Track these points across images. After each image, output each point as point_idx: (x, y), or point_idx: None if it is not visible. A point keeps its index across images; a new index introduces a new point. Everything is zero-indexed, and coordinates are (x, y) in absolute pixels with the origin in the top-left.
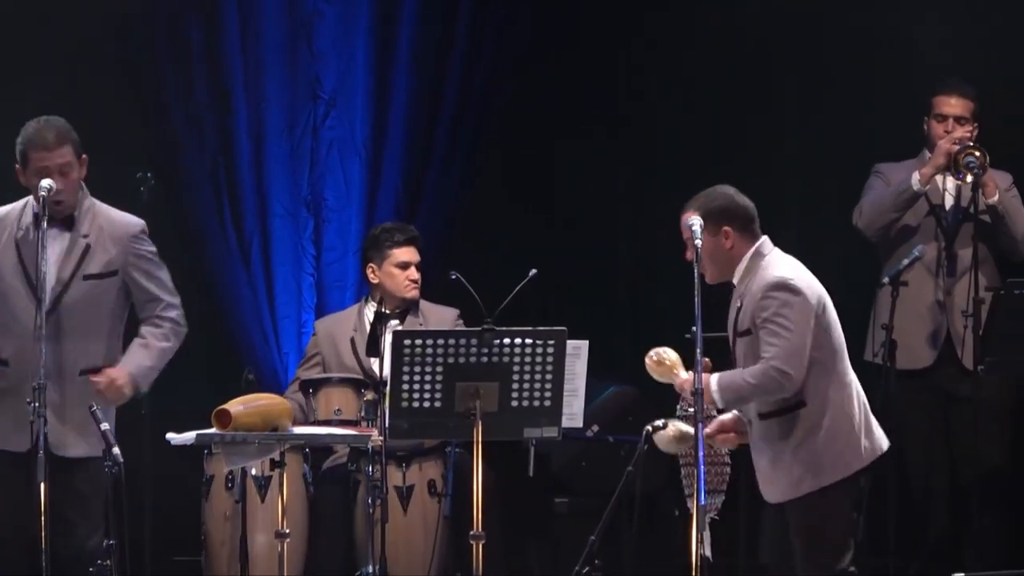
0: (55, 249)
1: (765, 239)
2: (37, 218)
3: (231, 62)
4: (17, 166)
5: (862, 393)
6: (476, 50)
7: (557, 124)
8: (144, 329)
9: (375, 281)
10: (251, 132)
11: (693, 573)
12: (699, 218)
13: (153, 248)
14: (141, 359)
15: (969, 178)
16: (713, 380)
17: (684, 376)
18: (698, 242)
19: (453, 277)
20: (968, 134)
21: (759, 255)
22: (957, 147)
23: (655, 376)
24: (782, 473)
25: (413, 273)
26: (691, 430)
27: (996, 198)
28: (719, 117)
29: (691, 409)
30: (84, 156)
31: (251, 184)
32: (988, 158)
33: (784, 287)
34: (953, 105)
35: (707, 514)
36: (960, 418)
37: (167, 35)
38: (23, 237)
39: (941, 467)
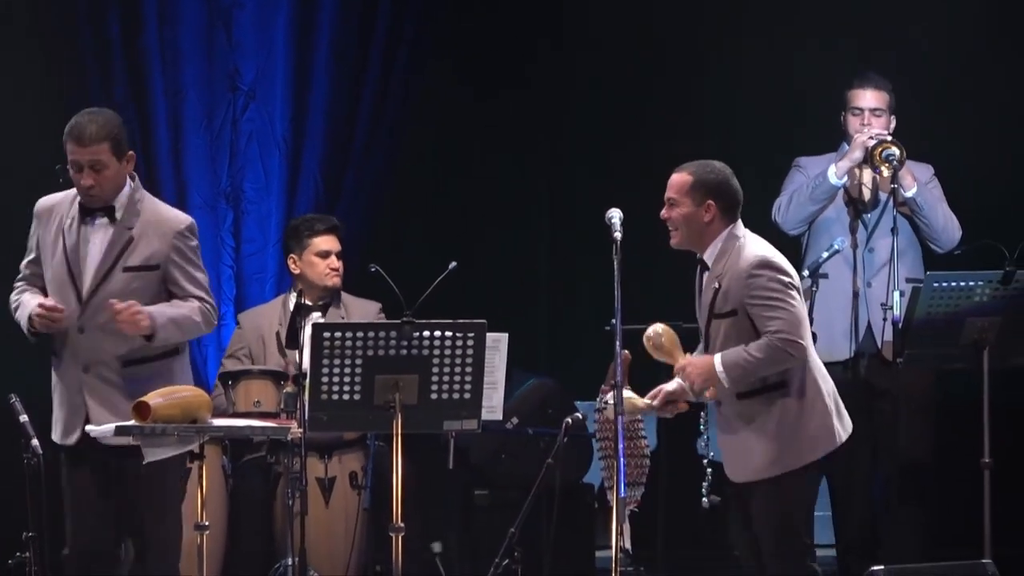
0: (98, 240)
1: (740, 223)
2: (82, 208)
3: (149, 52)
4: None
5: (828, 377)
6: (395, 43)
7: (476, 118)
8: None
9: (296, 272)
10: (170, 123)
11: (612, 565)
12: (690, 178)
13: (196, 245)
14: (165, 308)
15: (886, 172)
16: (717, 361)
17: (683, 361)
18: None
19: (372, 270)
20: (884, 128)
21: (734, 237)
22: (873, 141)
23: (653, 355)
24: (758, 453)
25: (334, 262)
26: (639, 402)
27: (915, 190)
28: (636, 112)
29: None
30: (130, 153)
31: (170, 175)
32: (905, 152)
33: (770, 265)
34: (868, 98)
35: (627, 506)
36: (880, 411)
37: (86, 24)
38: (69, 227)
39: (861, 460)
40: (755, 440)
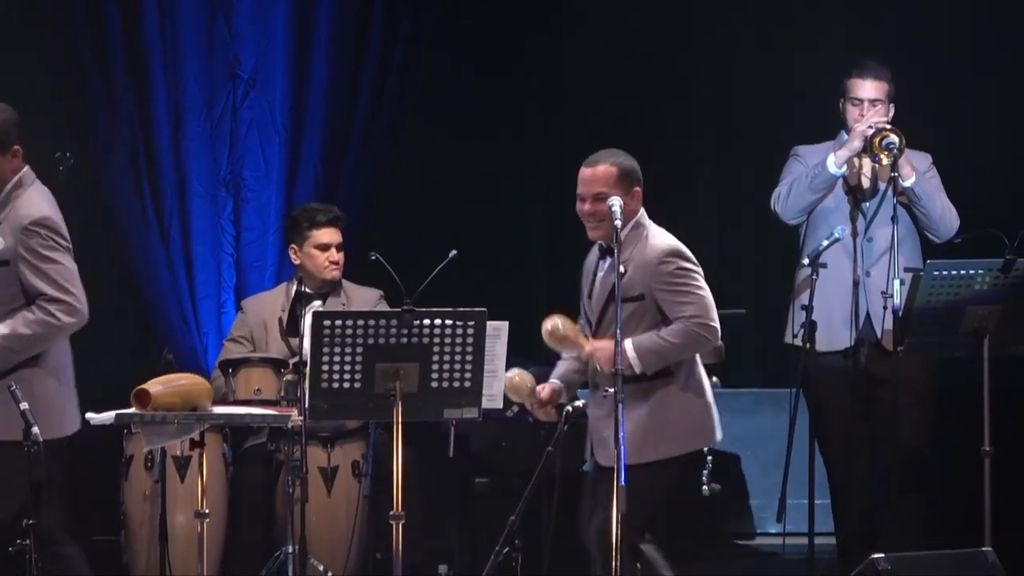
0: None
1: (643, 210)
2: None
3: (149, 41)
4: None
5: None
6: (393, 34)
7: (473, 108)
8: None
9: (296, 262)
10: (170, 111)
11: (612, 551)
12: (615, 168)
13: (44, 241)
14: None
15: (885, 160)
16: (629, 346)
17: (591, 345)
18: (617, 222)
19: (373, 258)
20: (883, 117)
21: (640, 226)
22: (872, 130)
23: (555, 347)
24: (631, 436)
25: (333, 255)
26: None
27: (913, 180)
28: (634, 98)
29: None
30: (15, 147)
31: (170, 164)
32: (905, 140)
33: (680, 254)
34: (868, 89)
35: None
36: (880, 399)
37: (85, 13)
38: None
39: (861, 448)
40: (632, 423)
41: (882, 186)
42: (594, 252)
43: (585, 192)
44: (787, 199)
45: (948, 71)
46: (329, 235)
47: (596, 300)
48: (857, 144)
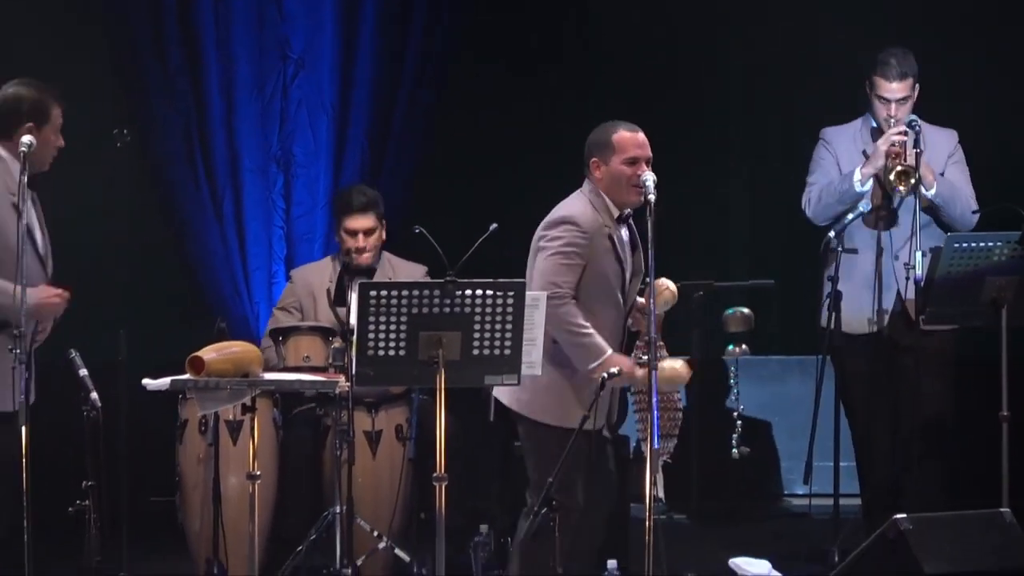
0: None
1: None
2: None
3: (203, 23)
4: None
5: None
6: (436, 15)
7: (510, 87)
8: None
9: (338, 240)
10: (223, 91)
11: (647, 513)
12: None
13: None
14: None
15: (903, 190)
16: None
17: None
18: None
19: (416, 231)
20: (910, 108)
21: None
22: (895, 148)
23: (667, 304)
24: (528, 388)
25: (360, 241)
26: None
27: (934, 190)
28: (661, 81)
29: (644, 356)
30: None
31: (223, 141)
32: (918, 177)
33: None
34: (894, 90)
35: (660, 457)
36: (903, 366)
37: None
38: None
39: (884, 412)
40: (539, 377)
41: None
42: (597, 218)
43: (641, 155)
44: (817, 206)
45: (971, 48)
46: (357, 222)
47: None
48: (880, 163)
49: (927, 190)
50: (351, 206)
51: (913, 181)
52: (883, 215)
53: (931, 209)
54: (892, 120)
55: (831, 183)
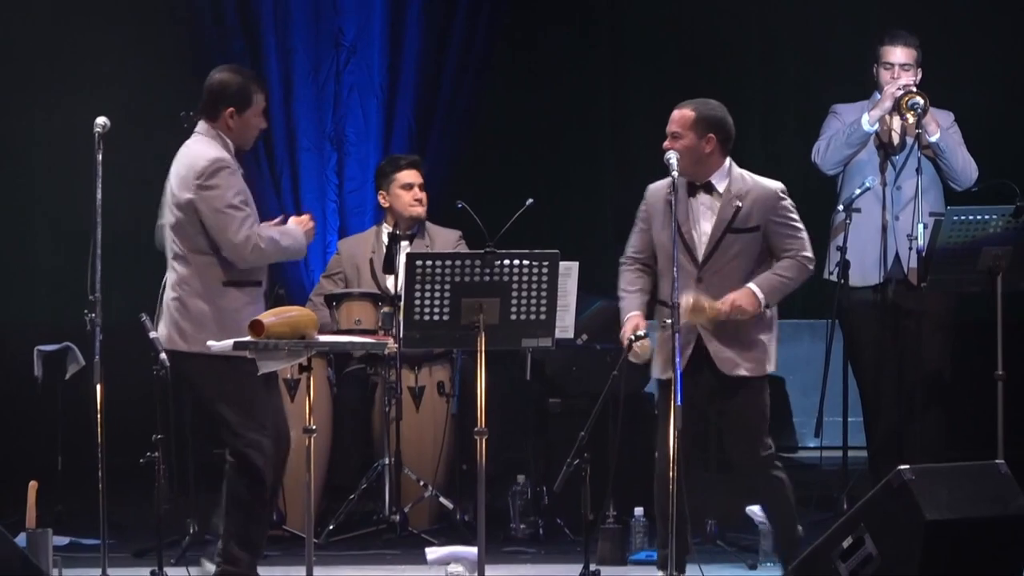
0: None
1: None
2: None
3: (264, 15)
4: None
5: None
6: (477, 5)
7: (546, 68)
8: None
9: (385, 205)
10: (281, 77)
11: (671, 463)
12: (692, 113)
13: (210, 183)
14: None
15: (911, 119)
16: (756, 288)
17: (727, 301)
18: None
19: (459, 206)
20: (912, 80)
21: (734, 166)
22: (901, 92)
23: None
24: (756, 350)
25: (417, 192)
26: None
27: (937, 136)
28: (689, 59)
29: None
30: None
31: (281, 122)
32: (928, 101)
33: (789, 194)
34: (898, 55)
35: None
36: (906, 329)
37: None
38: None
39: (889, 371)
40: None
41: (909, 141)
42: (662, 188)
43: (668, 130)
44: (826, 152)
45: (969, 34)
46: (410, 176)
47: (701, 233)
48: (888, 104)
49: (931, 136)
50: (399, 164)
51: (922, 105)
52: (886, 173)
53: (935, 163)
54: (894, 83)
55: (839, 131)
